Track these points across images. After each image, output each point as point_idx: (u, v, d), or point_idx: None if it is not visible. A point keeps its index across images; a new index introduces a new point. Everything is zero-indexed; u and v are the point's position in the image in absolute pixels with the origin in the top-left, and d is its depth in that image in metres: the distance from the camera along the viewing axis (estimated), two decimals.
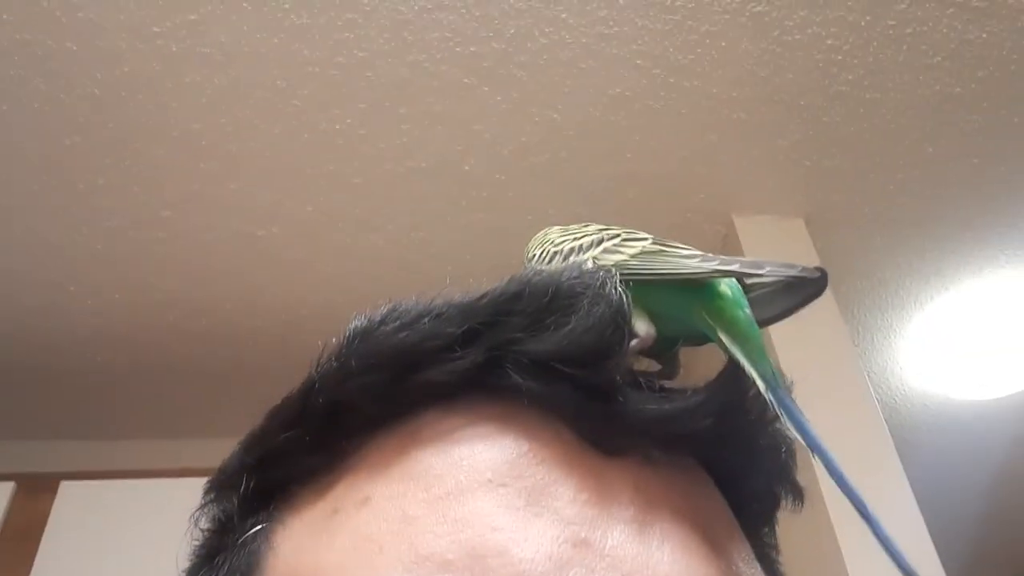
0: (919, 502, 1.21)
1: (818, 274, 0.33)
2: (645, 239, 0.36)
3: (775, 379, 0.30)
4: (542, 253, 0.39)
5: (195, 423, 1.85)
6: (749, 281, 0.35)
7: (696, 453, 0.30)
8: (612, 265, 0.34)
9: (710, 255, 0.34)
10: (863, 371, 1.42)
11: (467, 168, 1.44)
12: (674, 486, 0.28)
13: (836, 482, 0.29)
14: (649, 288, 0.33)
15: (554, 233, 0.41)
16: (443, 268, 1.60)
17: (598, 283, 0.29)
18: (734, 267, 0.32)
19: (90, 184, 1.40)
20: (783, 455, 0.31)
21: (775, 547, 0.33)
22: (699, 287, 0.33)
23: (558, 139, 1.41)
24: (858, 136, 1.44)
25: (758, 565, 0.30)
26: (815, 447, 0.29)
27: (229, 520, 0.30)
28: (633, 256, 0.35)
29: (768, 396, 0.30)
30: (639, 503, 0.26)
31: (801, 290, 0.34)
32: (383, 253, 1.57)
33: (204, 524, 0.31)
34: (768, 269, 0.33)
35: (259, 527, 0.29)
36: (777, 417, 0.30)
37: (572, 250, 0.37)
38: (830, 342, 1.41)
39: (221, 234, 1.51)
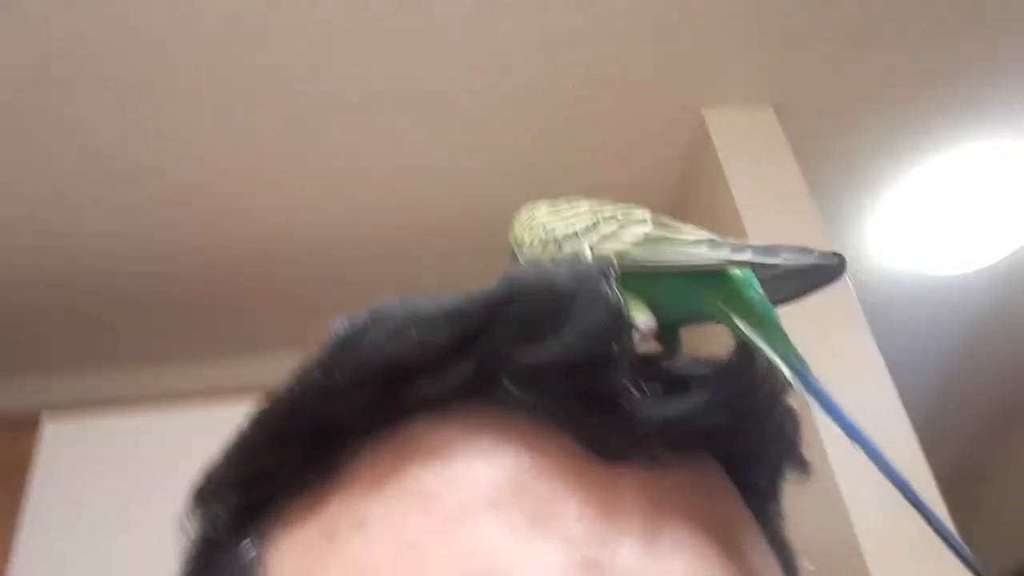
0: (892, 372, 1.24)
1: (836, 260, 0.31)
2: (643, 221, 0.33)
3: (800, 363, 0.29)
4: (532, 239, 0.36)
5: (175, 348, 1.85)
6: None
7: (705, 446, 0.28)
8: (612, 255, 0.32)
9: (717, 240, 0.32)
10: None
11: (429, 88, 1.40)
12: (684, 487, 0.27)
13: (879, 468, 0.27)
14: (653, 278, 0.31)
15: (542, 214, 0.37)
16: (411, 184, 1.57)
17: (593, 282, 0.27)
18: (746, 255, 0.30)
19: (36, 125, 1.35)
20: (790, 431, 0.30)
21: (781, 515, 0.32)
22: (708, 274, 0.32)
23: (518, 52, 1.37)
24: (822, 20, 1.41)
25: (772, 556, 0.29)
26: (853, 433, 0.28)
27: (219, 535, 0.29)
28: (635, 245, 0.32)
29: (796, 383, 0.28)
30: (648, 513, 0.25)
31: (816, 274, 0.32)
32: (353, 170, 1.54)
33: (193, 533, 0.30)
34: (783, 257, 0.30)
35: (252, 551, 0.27)
36: (783, 392, 0.29)
37: (567, 236, 0.35)
38: (801, 228, 1.41)
39: (176, 163, 1.47)
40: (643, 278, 0.31)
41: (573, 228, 0.35)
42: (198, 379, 1.77)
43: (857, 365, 1.25)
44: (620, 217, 0.34)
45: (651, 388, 0.26)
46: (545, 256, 0.35)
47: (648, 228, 0.33)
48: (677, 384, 0.27)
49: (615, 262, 0.30)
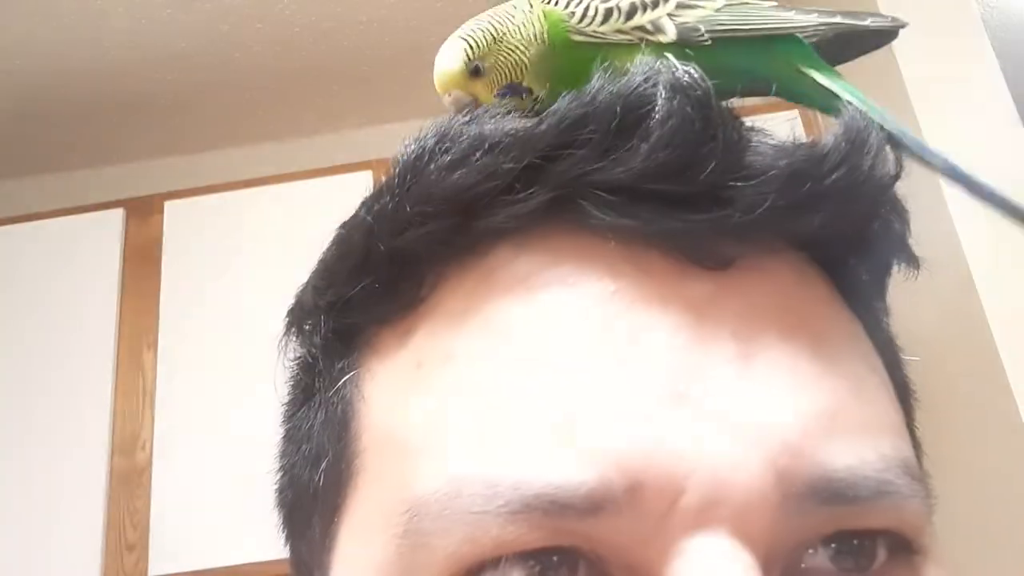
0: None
1: (902, 25, 0.31)
2: None
3: (883, 114, 0.27)
4: (588, 6, 0.31)
5: (275, 127, 1.87)
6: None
7: (808, 246, 0.27)
8: (698, 21, 0.30)
9: (801, 8, 0.32)
10: None
11: None
12: (779, 296, 0.25)
13: (970, 191, 0.27)
14: (726, 45, 0.30)
15: None
16: None
17: (675, 81, 0.24)
18: (837, 18, 0.31)
19: None
20: (899, 224, 0.28)
21: (886, 311, 0.30)
22: (784, 39, 0.31)
23: None
24: None
25: (875, 357, 0.28)
26: (949, 170, 0.27)
27: (315, 360, 0.29)
28: (719, 10, 0.30)
29: (888, 128, 0.27)
30: (742, 334, 0.24)
31: (857, 43, 0.33)
32: None
33: (292, 355, 0.30)
34: (870, 21, 0.32)
35: (347, 376, 0.28)
36: (894, 180, 0.27)
37: (634, 5, 0.30)
38: None
39: None
40: (716, 46, 0.30)
41: None
42: (309, 157, 1.78)
43: (987, 106, 1.16)
44: None
45: (744, 179, 0.24)
46: (610, 28, 0.31)
47: None
48: (772, 172, 0.25)
49: (703, 28, 0.29)
